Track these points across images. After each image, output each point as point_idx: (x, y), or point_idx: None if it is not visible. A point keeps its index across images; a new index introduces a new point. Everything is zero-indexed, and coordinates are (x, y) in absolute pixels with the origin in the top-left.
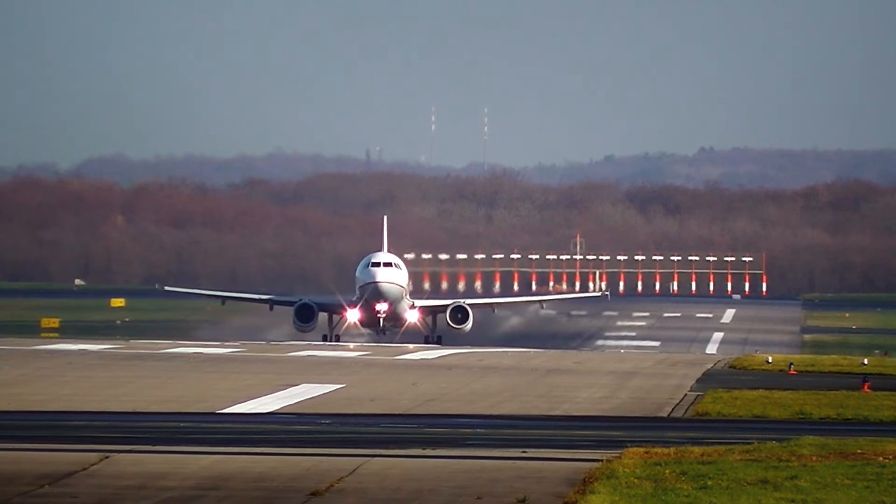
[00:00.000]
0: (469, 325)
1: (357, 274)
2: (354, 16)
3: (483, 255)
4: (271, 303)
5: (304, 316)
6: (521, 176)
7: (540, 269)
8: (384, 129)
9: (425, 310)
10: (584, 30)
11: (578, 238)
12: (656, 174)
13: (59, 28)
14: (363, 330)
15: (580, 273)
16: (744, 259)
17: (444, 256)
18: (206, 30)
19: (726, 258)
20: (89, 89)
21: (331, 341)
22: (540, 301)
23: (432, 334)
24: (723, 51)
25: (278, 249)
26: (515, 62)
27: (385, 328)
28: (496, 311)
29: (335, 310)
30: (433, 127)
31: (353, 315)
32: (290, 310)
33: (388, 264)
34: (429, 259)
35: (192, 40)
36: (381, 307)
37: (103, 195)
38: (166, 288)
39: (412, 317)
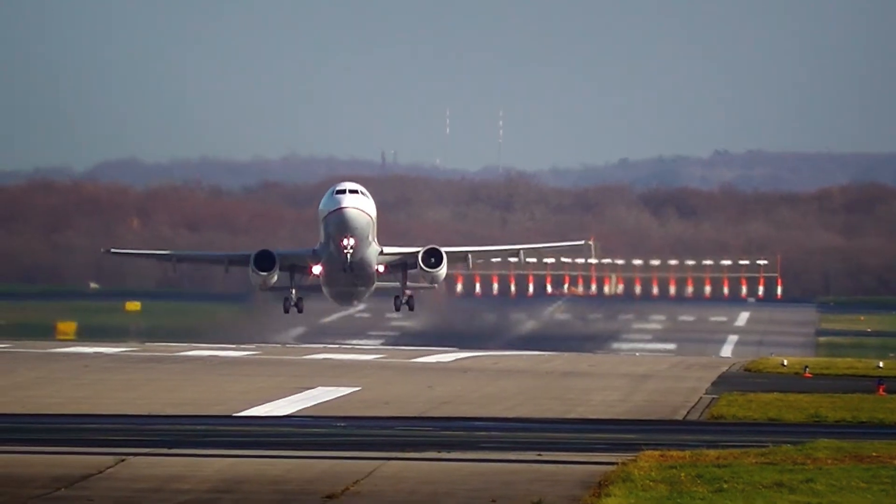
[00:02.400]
0: (443, 270)
1: (320, 207)
2: (368, 18)
3: (498, 259)
4: (227, 260)
5: (263, 264)
6: (535, 179)
7: (555, 272)
8: (399, 131)
9: (395, 259)
10: (598, 33)
11: (593, 241)
12: (671, 177)
13: (72, 31)
14: (329, 295)
15: (595, 276)
16: (758, 262)
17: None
18: (220, 32)
19: (741, 261)
20: (103, 92)
21: (293, 306)
22: (519, 250)
23: (402, 294)
24: (736, 53)
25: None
26: (529, 65)
27: (354, 285)
28: (472, 263)
29: (297, 262)
30: (448, 130)
31: (317, 268)
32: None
33: (353, 191)
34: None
35: (205, 42)
36: (349, 242)
37: (118, 198)
38: (112, 250)
39: (375, 259)
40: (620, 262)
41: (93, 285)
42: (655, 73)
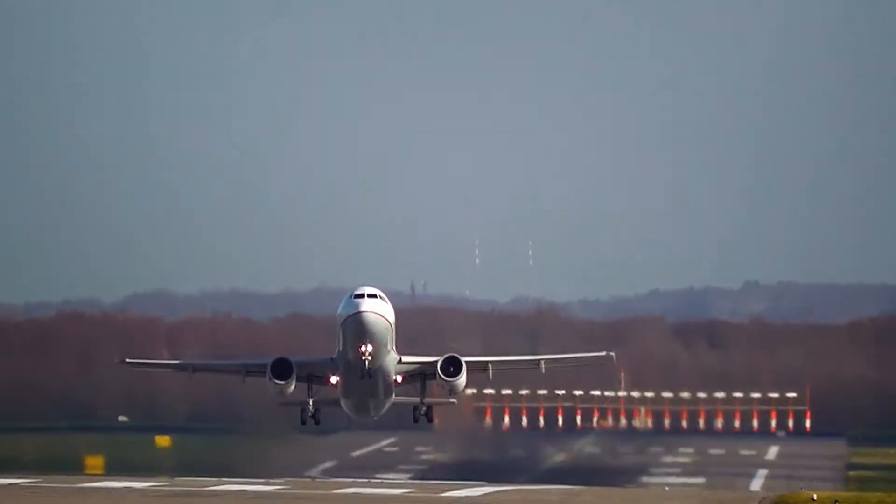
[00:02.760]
0: (462, 379)
1: (338, 312)
2: (398, 151)
3: (527, 391)
4: (244, 368)
5: (280, 372)
6: (565, 310)
7: (584, 405)
8: (429, 261)
9: (414, 369)
10: (627, 167)
11: (623, 374)
12: (701, 308)
13: (100, 165)
14: (346, 408)
15: (625, 409)
16: (788, 395)
17: (489, 391)
18: (250, 166)
19: (770, 394)
20: (132, 223)
21: (310, 417)
22: (539, 360)
23: (421, 405)
24: (767, 186)
25: None
26: (559, 198)
27: (372, 395)
28: (492, 373)
29: (315, 371)
30: (477, 260)
31: (334, 378)
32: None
33: (372, 295)
34: (473, 394)
35: (234, 176)
36: (366, 348)
37: (148, 329)
38: (127, 360)
39: (393, 368)
40: (650, 394)
41: (122, 418)
42: (685, 206)
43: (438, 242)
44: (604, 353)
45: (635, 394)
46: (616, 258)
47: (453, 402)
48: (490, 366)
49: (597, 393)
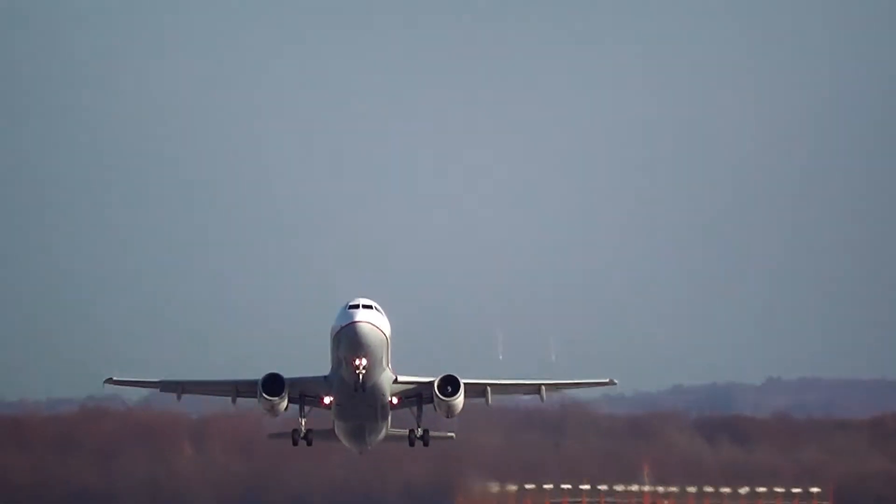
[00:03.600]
0: (460, 399)
1: (332, 325)
2: (418, 243)
3: (551, 485)
4: (234, 388)
5: (272, 388)
6: (589, 406)
7: (609, 501)
8: (451, 355)
9: (410, 389)
10: (651, 263)
11: (646, 469)
12: (724, 403)
13: (119, 259)
14: (340, 433)
15: None
16: (811, 490)
17: (512, 487)
18: (263, 254)
19: (793, 489)
20: (155, 319)
21: (302, 438)
22: (539, 385)
23: (417, 427)
24: (789, 281)
25: (343, 475)
26: (581, 292)
27: (366, 417)
28: (490, 398)
29: (307, 390)
30: (501, 356)
31: (328, 398)
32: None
33: (367, 306)
34: (497, 490)
35: (252, 265)
36: (361, 362)
37: (171, 425)
38: (114, 378)
39: (389, 387)
40: (674, 489)
41: None
42: (708, 302)
43: (461, 335)
44: (607, 381)
45: (660, 489)
46: (639, 354)
47: (451, 437)
48: (489, 388)
49: (620, 488)
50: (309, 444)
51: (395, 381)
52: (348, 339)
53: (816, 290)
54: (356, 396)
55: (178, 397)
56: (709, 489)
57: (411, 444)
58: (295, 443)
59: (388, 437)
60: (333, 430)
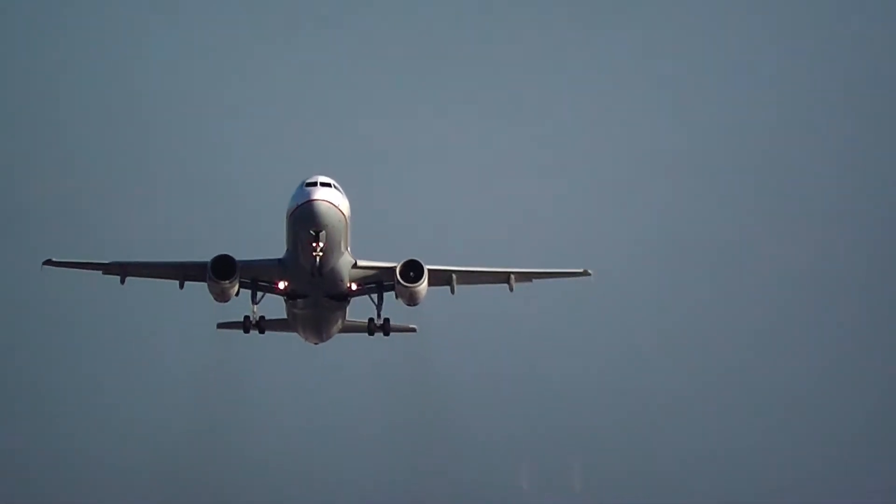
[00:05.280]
0: (423, 286)
1: (288, 205)
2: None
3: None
4: (183, 269)
5: (222, 271)
6: None
7: None
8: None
9: (370, 275)
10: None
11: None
12: None
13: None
14: (293, 321)
15: None
16: None
17: None
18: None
19: None
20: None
21: (254, 326)
22: (509, 274)
23: (377, 317)
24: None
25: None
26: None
27: (323, 307)
28: (455, 285)
29: (260, 274)
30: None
31: (282, 283)
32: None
33: (326, 184)
34: None
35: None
36: (318, 244)
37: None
38: (53, 259)
39: (347, 272)
40: None
41: None
42: None
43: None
44: (581, 270)
45: None
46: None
47: (414, 329)
48: (454, 276)
49: None
50: (261, 332)
51: (355, 266)
52: (304, 218)
53: None
54: (312, 281)
55: (122, 281)
56: None
57: (370, 333)
58: (246, 330)
59: (346, 328)
60: (287, 319)
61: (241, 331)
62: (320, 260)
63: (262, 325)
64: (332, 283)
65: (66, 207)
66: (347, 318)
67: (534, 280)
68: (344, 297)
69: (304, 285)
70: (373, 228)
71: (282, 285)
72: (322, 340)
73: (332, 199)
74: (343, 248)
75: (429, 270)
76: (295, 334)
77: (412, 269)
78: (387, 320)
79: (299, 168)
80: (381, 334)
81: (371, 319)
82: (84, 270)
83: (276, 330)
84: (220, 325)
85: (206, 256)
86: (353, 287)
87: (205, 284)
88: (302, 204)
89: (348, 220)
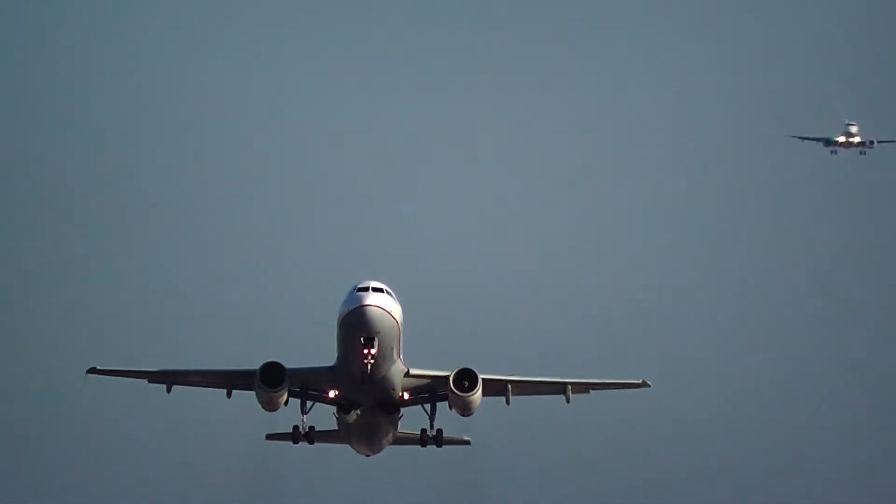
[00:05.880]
0: (477, 395)
1: (339, 310)
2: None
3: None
4: (230, 377)
5: (271, 379)
6: None
7: None
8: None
9: (423, 384)
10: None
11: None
12: None
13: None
14: (344, 433)
15: None
16: None
17: None
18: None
19: None
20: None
21: (303, 436)
22: (566, 384)
23: (430, 427)
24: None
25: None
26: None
27: (374, 416)
28: (510, 396)
29: (310, 382)
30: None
31: (332, 392)
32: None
33: (378, 289)
34: None
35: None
36: (369, 351)
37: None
38: (97, 367)
39: (400, 381)
40: None
41: None
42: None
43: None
44: (640, 381)
45: None
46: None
47: (468, 441)
48: (509, 386)
49: None
50: (311, 443)
51: (407, 375)
52: (355, 325)
53: None
54: (364, 389)
55: (168, 389)
56: None
57: (423, 444)
58: (295, 441)
59: (398, 439)
60: (338, 429)
61: (291, 442)
62: (372, 368)
63: (312, 435)
64: (383, 392)
65: (109, 312)
66: (399, 429)
67: (591, 391)
68: (396, 406)
69: (355, 394)
70: (423, 335)
71: (332, 394)
72: (374, 452)
73: (384, 304)
74: (395, 356)
75: (483, 380)
76: (346, 446)
77: (466, 379)
78: (440, 431)
79: (349, 274)
80: (434, 446)
81: (423, 430)
82: (129, 379)
83: (326, 441)
84: (269, 437)
85: (255, 364)
86: (406, 396)
87: (253, 393)
88: (353, 309)
89: (401, 327)
